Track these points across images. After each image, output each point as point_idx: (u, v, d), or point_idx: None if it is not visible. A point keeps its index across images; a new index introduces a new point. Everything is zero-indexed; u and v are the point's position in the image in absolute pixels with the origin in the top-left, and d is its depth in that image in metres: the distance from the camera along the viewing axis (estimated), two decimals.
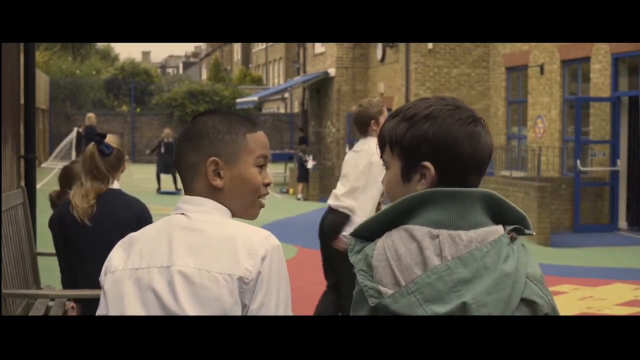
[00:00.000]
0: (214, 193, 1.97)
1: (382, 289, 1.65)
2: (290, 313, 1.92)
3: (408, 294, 1.63)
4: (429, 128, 1.72)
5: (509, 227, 1.71)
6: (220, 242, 1.88)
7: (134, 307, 1.89)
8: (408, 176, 1.75)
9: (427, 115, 1.73)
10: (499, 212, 1.72)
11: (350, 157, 5.94)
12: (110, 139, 4.24)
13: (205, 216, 1.94)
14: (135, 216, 4.16)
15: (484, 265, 1.63)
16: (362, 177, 5.74)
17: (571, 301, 8.60)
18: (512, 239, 1.69)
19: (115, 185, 4.24)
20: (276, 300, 1.87)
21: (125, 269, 1.93)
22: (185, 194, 2.01)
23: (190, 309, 1.84)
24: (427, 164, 1.72)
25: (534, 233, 1.77)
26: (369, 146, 5.75)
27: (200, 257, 1.87)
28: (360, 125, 5.78)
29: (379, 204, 5.90)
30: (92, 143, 4.13)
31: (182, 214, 1.96)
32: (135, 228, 3.88)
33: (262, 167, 2.02)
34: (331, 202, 5.89)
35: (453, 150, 1.71)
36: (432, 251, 1.65)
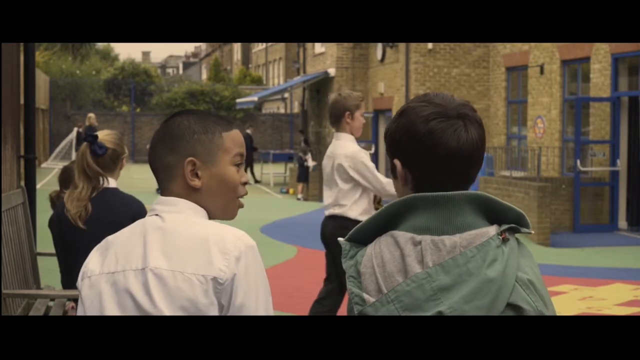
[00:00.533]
0: (191, 194, 1.96)
1: (365, 296, 1.64)
2: (271, 312, 1.90)
3: (387, 302, 1.61)
4: (397, 125, 1.73)
5: (503, 227, 1.67)
6: (194, 243, 1.87)
7: (110, 311, 1.89)
8: (394, 172, 1.77)
9: (400, 113, 1.74)
10: (494, 213, 1.69)
11: (324, 163, 5.89)
12: (106, 137, 4.11)
13: (178, 216, 1.93)
14: (131, 215, 4.01)
15: (467, 270, 1.60)
16: (334, 182, 5.71)
17: (571, 301, 8.59)
18: (504, 240, 1.65)
19: (112, 184, 4.11)
20: (255, 300, 1.86)
21: (101, 273, 1.92)
22: (162, 195, 1.99)
23: (167, 310, 1.83)
24: (395, 161, 1.73)
25: (532, 232, 1.71)
26: (334, 149, 5.68)
27: (173, 258, 1.86)
28: (334, 115, 5.65)
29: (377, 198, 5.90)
30: (85, 143, 4.02)
31: (157, 215, 1.95)
32: None
33: (239, 165, 2.01)
34: (326, 212, 5.87)
35: (413, 146, 1.69)
36: (413, 258, 1.63)
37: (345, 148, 5.61)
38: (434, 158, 1.68)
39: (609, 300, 8.72)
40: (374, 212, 5.90)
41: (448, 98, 1.73)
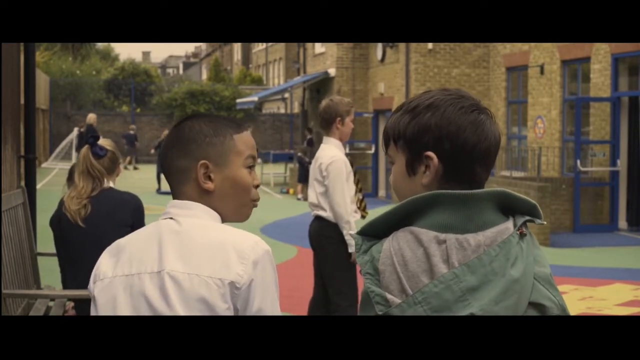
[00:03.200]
0: (204, 197, 1.96)
1: (389, 296, 1.61)
2: (279, 313, 1.92)
3: (415, 304, 1.58)
4: (431, 117, 1.67)
5: (519, 221, 1.65)
6: (211, 247, 1.87)
7: (124, 314, 1.88)
8: (413, 168, 1.70)
9: (429, 105, 1.69)
10: (509, 205, 1.68)
11: (311, 166, 5.98)
12: (104, 142, 4.31)
13: (194, 220, 1.92)
14: (131, 210, 4.23)
15: (492, 270, 1.58)
16: (313, 183, 5.81)
17: (571, 301, 8.59)
18: (522, 235, 1.63)
19: (110, 185, 4.30)
20: (272, 304, 1.88)
21: (115, 276, 1.91)
22: (174, 199, 1.99)
23: (183, 313, 1.83)
24: (430, 153, 1.67)
25: (545, 222, 1.70)
26: (320, 152, 5.79)
27: (190, 262, 1.86)
28: (325, 120, 5.74)
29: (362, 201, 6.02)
30: (86, 145, 4.20)
31: (171, 218, 1.94)
32: (131, 226, 3.97)
33: (251, 167, 2.01)
34: (312, 213, 5.99)
35: (456, 138, 1.66)
36: (439, 258, 1.60)
37: (330, 151, 5.71)
38: (475, 150, 1.67)
39: (609, 300, 8.73)
40: (356, 215, 6.00)
41: (466, 91, 1.74)
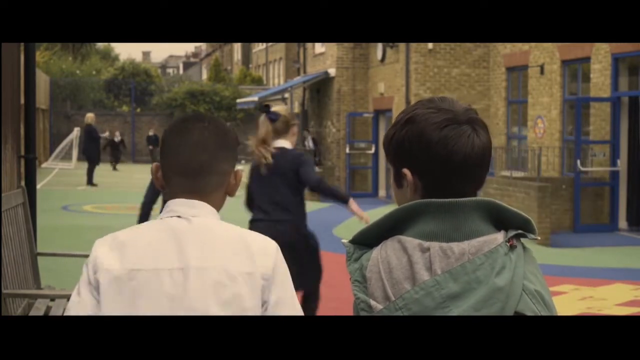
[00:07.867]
0: (219, 199, 2.03)
1: (372, 303, 1.63)
2: (297, 302, 1.99)
3: (395, 310, 1.60)
4: (406, 133, 1.69)
5: (510, 234, 1.65)
6: (231, 242, 1.92)
7: (144, 308, 1.86)
8: (399, 182, 1.73)
9: (407, 120, 1.71)
10: (501, 218, 1.67)
11: None
12: (279, 108, 5.46)
13: (205, 219, 1.96)
14: (291, 167, 5.35)
15: (476, 278, 1.59)
16: None
17: (571, 301, 8.59)
18: (512, 247, 1.63)
19: (287, 145, 5.42)
20: (291, 293, 1.96)
21: (124, 269, 1.88)
22: (193, 195, 1.97)
23: (214, 309, 1.85)
24: (405, 170, 1.70)
25: (539, 237, 1.70)
26: None
27: (215, 257, 1.89)
28: None
29: None
30: (263, 113, 5.40)
31: (179, 216, 1.95)
32: (292, 176, 5.35)
33: None
34: None
35: (426, 154, 1.66)
36: (421, 265, 1.61)
37: None
38: (449, 165, 1.66)
39: (609, 300, 8.73)
40: None
41: (454, 103, 1.71)
